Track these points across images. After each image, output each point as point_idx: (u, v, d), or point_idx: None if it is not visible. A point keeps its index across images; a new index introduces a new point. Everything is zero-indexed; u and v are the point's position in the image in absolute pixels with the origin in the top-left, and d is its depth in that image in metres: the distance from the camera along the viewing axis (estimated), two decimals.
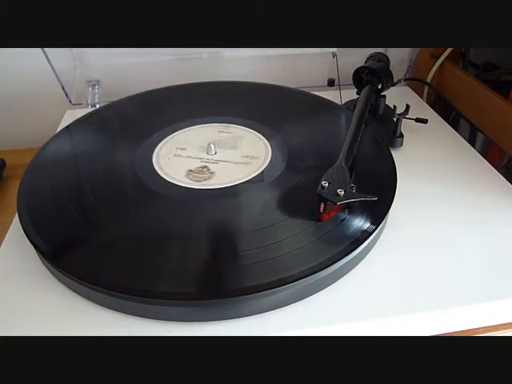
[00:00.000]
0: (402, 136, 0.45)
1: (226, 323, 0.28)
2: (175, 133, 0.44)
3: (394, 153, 0.40)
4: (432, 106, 0.55)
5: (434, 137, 0.48)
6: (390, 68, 0.49)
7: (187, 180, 0.37)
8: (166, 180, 0.37)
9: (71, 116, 0.51)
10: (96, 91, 0.53)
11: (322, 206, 0.32)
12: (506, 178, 0.41)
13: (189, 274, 0.29)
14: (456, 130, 0.50)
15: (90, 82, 0.53)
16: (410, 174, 0.41)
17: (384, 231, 0.35)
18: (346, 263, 0.30)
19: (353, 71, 0.49)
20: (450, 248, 0.34)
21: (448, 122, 0.51)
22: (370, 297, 0.30)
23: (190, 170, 0.38)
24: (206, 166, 0.39)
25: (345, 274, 0.31)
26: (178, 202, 0.35)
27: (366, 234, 0.31)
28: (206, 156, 0.41)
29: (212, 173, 0.38)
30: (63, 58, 0.51)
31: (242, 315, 0.29)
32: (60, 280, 0.32)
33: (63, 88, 0.52)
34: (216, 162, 0.40)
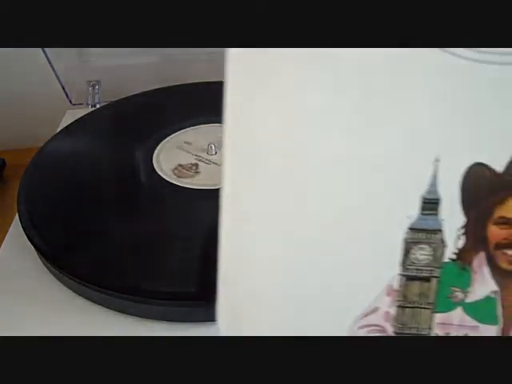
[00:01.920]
0: None
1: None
2: (176, 133, 0.44)
3: None
4: None
5: None
6: None
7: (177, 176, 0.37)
8: (166, 180, 0.37)
9: (71, 116, 0.51)
10: (96, 91, 0.53)
11: None
12: None
13: (188, 275, 0.29)
14: None
15: (90, 82, 0.53)
16: None
17: None
18: None
19: None
20: None
21: None
22: None
23: (180, 165, 0.38)
24: (196, 164, 0.39)
25: None
26: (178, 203, 0.35)
27: None
28: (205, 156, 0.41)
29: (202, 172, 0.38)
30: (63, 58, 0.51)
31: None
32: (60, 280, 0.32)
33: (63, 88, 0.52)
34: (216, 162, 0.40)
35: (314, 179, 0.18)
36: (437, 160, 0.17)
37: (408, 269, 0.19)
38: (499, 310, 0.19)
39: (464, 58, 0.17)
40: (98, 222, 0.34)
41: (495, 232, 0.18)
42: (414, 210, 0.18)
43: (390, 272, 0.19)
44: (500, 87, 0.17)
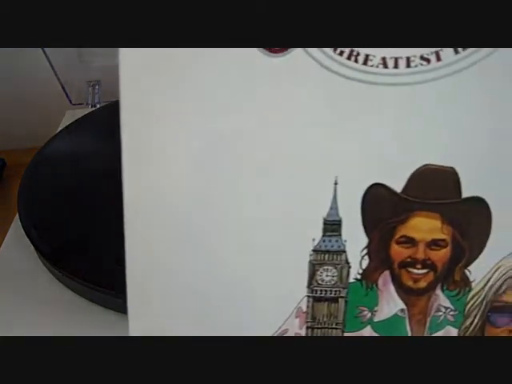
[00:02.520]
0: None
1: None
2: None
3: None
4: None
5: None
6: None
7: None
8: None
9: (71, 116, 0.51)
10: (96, 91, 0.53)
11: None
12: None
13: None
14: None
15: (90, 82, 0.53)
16: None
17: None
18: None
19: None
20: None
21: None
22: None
23: None
24: None
25: None
26: None
27: None
28: None
29: None
30: (63, 57, 0.51)
31: None
32: (60, 280, 0.32)
33: (63, 88, 0.52)
34: None
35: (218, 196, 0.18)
36: (335, 183, 0.18)
37: (315, 290, 0.19)
38: (408, 328, 0.19)
39: (358, 81, 0.17)
40: (97, 222, 0.34)
41: (398, 251, 0.19)
42: (318, 232, 0.18)
43: (299, 294, 0.19)
44: (399, 109, 0.17)
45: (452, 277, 0.19)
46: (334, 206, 0.18)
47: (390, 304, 0.19)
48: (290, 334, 0.19)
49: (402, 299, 0.19)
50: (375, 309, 0.19)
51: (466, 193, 0.18)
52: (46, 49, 0.46)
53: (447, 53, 0.17)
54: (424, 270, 0.19)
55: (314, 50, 0.17)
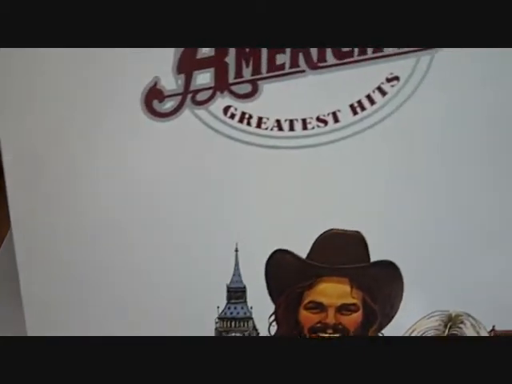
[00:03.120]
0: None
1: None
2: None
3: None
4: None
5: None
6: None
7: None
8: None
9: None
10: None
11: None
12: None
13: None
14: None
15: None
16: None
17: None
18: None
19: None
20: None
21: None
22: None
23: None
24: None
25: None
26: None
27: None
28: None
29: None
30: None
31: None
32: None
33: None
34: None
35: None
36: (236, 250, 0.17)
37: None
38: None
39: (251, 144, 0.17)
40: None
41: (307, 316, 0.18)
42: (222, 300, 0.18)
43: None
44: (297, 172, 0.17)
45: None
46: (237, 273, 0.18)
47: None
48: None
49: None
50: None
51: (374, 256, 0.17)
52: None
53: (345, 114, 0.16)
54: (335, 335, 0.18)
55: (202, 113, 0.16)
